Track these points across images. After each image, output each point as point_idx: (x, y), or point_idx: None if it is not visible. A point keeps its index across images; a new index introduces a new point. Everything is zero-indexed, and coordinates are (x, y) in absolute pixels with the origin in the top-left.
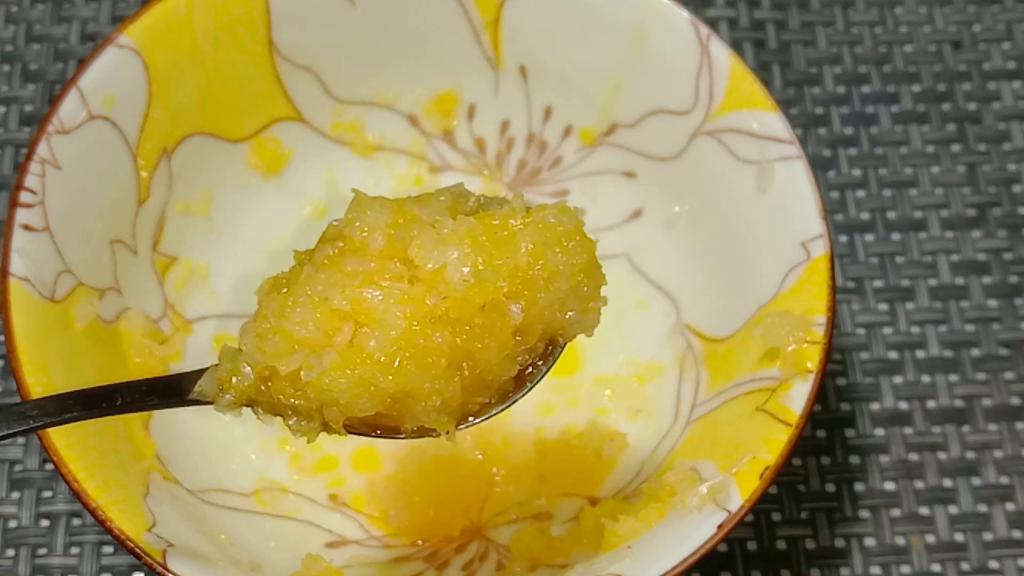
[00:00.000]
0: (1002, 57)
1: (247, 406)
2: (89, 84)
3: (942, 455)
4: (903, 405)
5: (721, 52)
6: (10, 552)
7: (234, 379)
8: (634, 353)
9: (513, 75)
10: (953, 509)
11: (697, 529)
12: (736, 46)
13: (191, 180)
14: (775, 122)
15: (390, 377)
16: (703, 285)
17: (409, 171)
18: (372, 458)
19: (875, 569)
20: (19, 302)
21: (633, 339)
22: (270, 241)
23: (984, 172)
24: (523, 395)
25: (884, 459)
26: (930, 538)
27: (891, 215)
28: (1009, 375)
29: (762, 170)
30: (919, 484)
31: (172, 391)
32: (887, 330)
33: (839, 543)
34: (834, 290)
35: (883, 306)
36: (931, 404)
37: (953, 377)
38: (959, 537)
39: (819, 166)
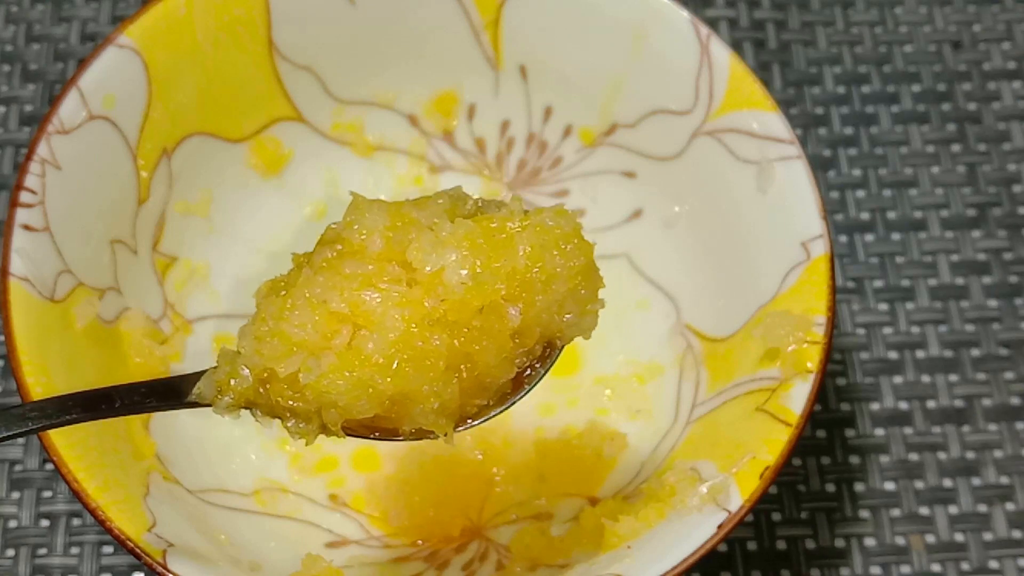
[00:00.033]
0: (1002, 57)
1: (246, 408)
2: (89, 84)
3: (942, 455)
4: (903, 405)
5: (721, 52)
6: (10, 552)
7: (232, 381)
8: (634, 353)
9: (513, 75)
10: (953, 509)
11: (697, 529)
12: (736, 46)
13: (191, 180)
14: (775, 122)
15: (388, 379)
16: (703, 285)
17: (409, 171)
18: (372, 458)
19: (875, 569)
20: (19, 302)
21: (633, 339)
22: (270, 241)
23: (984, 172)
24: (521, 397)
25: (884, 459)
26: (930, 538)
27: (891, 215)
28: (1009, 375)
29: (762, 170)
30: (919, 484)
31: (171, 393)
32: (887, 330)
33: (839, 543)
34: (834, 290)
35: (883, 306)
36: (931, 404)
37: (953, 377)
38: (959, 537)
39: (819, 166)
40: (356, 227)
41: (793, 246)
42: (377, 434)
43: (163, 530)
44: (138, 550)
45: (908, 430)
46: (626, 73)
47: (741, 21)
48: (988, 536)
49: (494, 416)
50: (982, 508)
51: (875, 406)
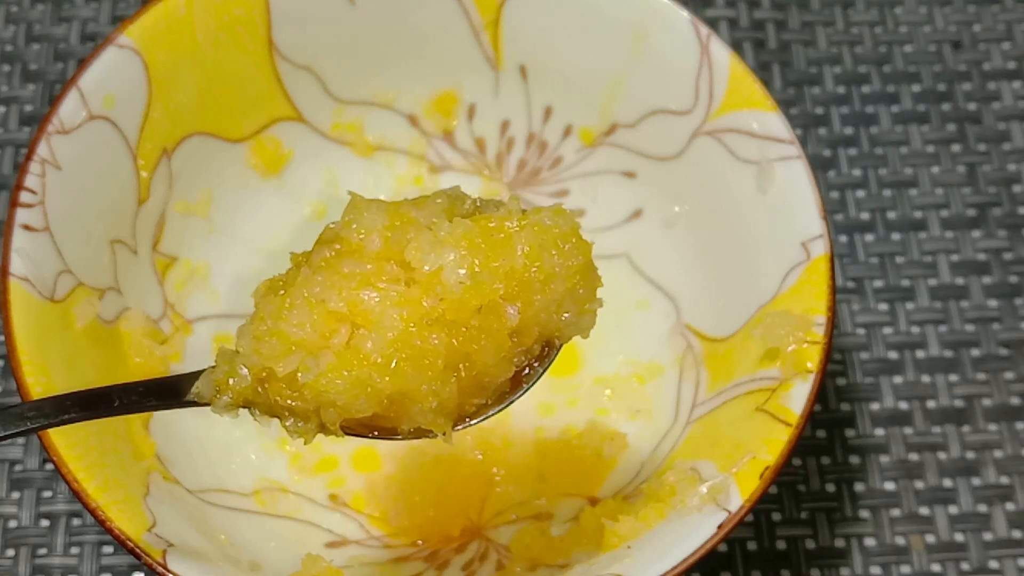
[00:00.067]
0: (1002, 57)
1: (244, 407)
2: (89, 84)
3: (942, 455)
4: (903, 405)
5: (721, 52)
6: (10, 552)
7: (231, 381)
8: (634, 353)
9: (513, 75)
10: (953, 509)
11: (697, 529)
12: (736, 46)
13: (191, 180)
14: (775, 122)
15: (387, 378)
16: (703, 285)
17: (409, 171)
18: (372, 458)
19: (875, 569)
20: (19, 302)
21: (633, 339)
22: (270, 241)
23: (984, 172)
24: (519, 396)
25: (884, 459)
26: (930, 538)
27: (891, 215)
28: (1009, 375)
29: (762, 170)
30: (919, 484)
31: (169, 392)
32: (887, 330)
33: (839, 543)
34: (834, 290)
35: (883, 306)
36: (931, 404)
37: (953, 377)
38: (959, 537)
39: (819, 166)
40: (354, 226)
41: (793, 246)
42: (376, 433)
43: (163, 530)
44: (138, 550)
45: (908, 430)
46: (626, 73)
47: (741, 21)
48: (988, 536)
49: (493, 415)
50: (982, 508)
51: (875, 406)
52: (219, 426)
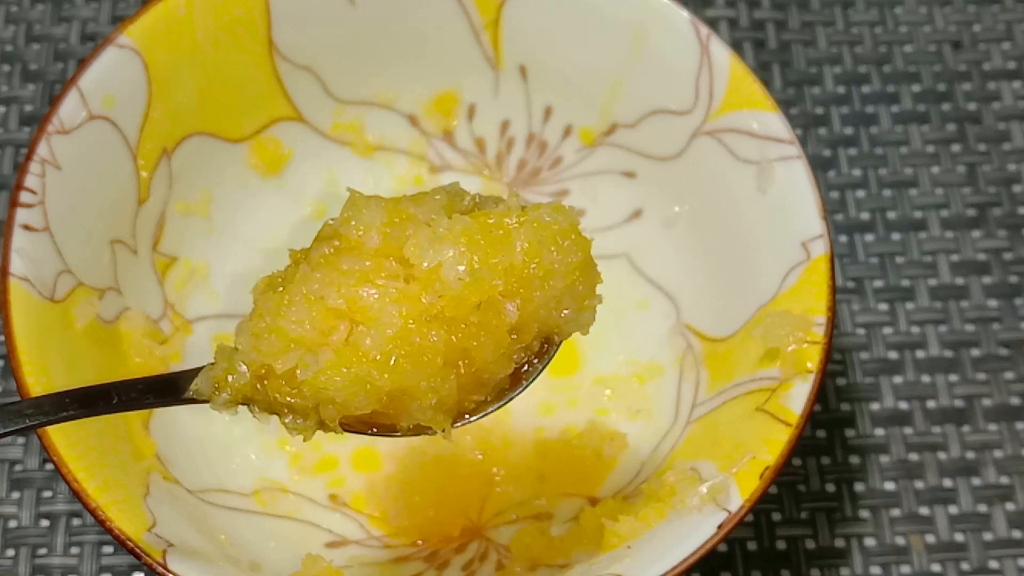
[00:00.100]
0: (1002, 57)
1: (243, 404)
2: (89, 84)
3: (942, 455)
4: (903, 405)
5: (721, 52)
6: (10, 552)
7: (230, 378)
8: (634, 353)
9: (513, 75)
10: (953, 509)
11: (697, 529)
12: (736, 46)
13: (191, 180)
14: (775, 122)
15: (386, 375)
16: (703, 285)
17: (409, 171)
18: (372, 458)
19: (875, 569)
20: (19, 302)
21: (633, 339)
22: (270, 241)
23: (984, 172)
24: (519, 393)
25: (884, 459)
26: (930, 538)
27: (891, 215)
28: (1009, 375)
29: (762, 170)
30: (919, 484)
31: (168, 390)
32: (887, 330)
33: (839, 543)
34: (834, 290)
35: (883, 306)
36: (931, 404)
37: (953, 377)
38: (959, 537)
39: (819, 166)
40: (353, 223)
41: (793, 246)
42: (375, 430)
43: (163, 530)
44: (138, 550)
45: (908, 430)
46: (626, 73)
47: (741, 21)
48: (988, 536)
49: (492, 412)
50: (982, 508)
51: (875, 406)
52: (219, 426)
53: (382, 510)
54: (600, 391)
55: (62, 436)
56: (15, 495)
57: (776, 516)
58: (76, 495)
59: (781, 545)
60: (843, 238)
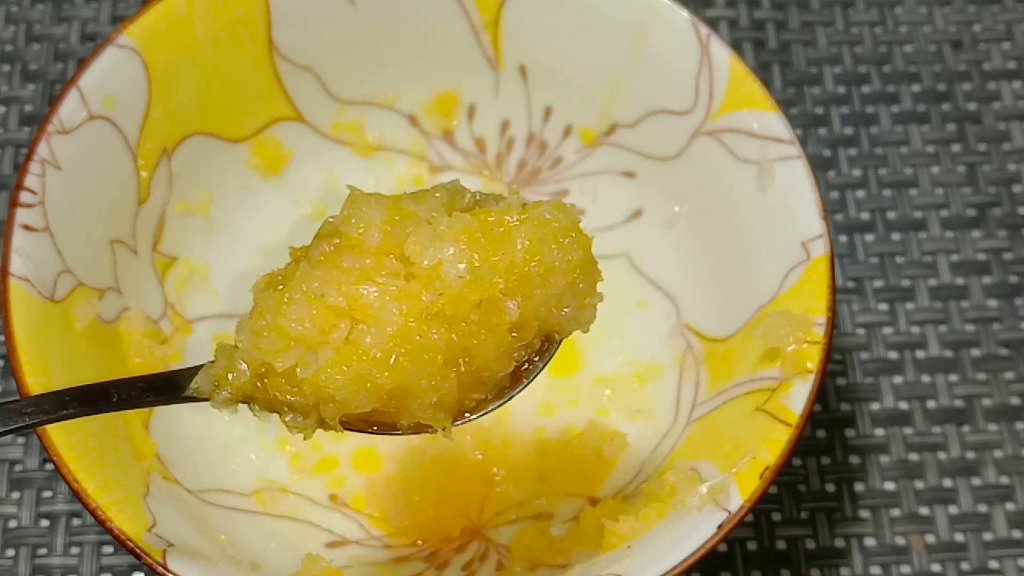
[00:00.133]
0: (1002, 57)
1: (243, 403)
2: (89, 84)
3: (942, 455)
4: (903, 405)
5: (721, 52)
6: (10, 552)
7: (230, 376)
8: (634, 353)
9: (513, 75)
10: (953, 509)
11: (697, 529)
12: (736, 46)
13: (191, 180)
14: (775, 122)
15: (386, 373)
16: (703, 285)
17: (409, 171)
18: (372, 458)
19: (875, 569)
20: (19, 302)
21: (633, 339)
22: (270, 241)
23: (984, 172)
24: (519, 391)
25: (884, 459)
26: (930, 538)
27: (891, 215)
28: (1009, 375)
29: (762, 170)
30: (919, 484)
31: (168, 388)
32: (887, 330)
33: (839, 543)
34: (834, 290)
35: (883, 306)
36: (931, 404)
37: (953, 377)
38: (959, 537)
39: (819, 166)
40: (354, 221)
41: (793, 246)
42: (375, 428)
43: (163, 530)
44: (138, 550)
45: (908, 430)
46: (626, 73)
47: (741, 21)
48: (988, 536)
49: (493, 410)
50: (982, 508)
51: (875, 406)
52: (219, 426)
53: (382, 510)
54: (600, 391)
55: (62, 436)
56: (15, 495)
57: (776, 516)
58: (76, 495)
59: (781, 545)
60: (843, 238)
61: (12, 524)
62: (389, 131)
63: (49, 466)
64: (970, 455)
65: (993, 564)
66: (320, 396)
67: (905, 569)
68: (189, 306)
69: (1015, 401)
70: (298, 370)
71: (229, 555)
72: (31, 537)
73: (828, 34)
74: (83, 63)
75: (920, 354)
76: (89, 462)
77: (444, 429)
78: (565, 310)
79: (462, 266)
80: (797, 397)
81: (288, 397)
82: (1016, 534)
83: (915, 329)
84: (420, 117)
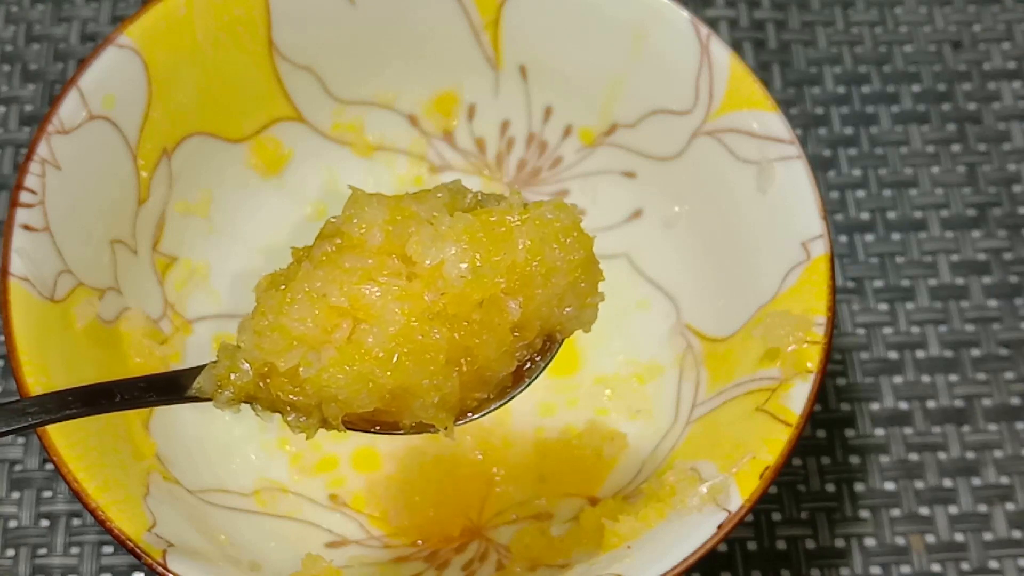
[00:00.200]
0: (1002, 57)
1: (246, 403)
2: (89, 84)
3: (942, 455)
4: (903, 405)
5: (721, 52)
6: (10, 552)
7: (232, 376)
8: (634, 353)
9: (513, 75)
10: (953, 509)
11: (697, 529)
12: (736, 46)
13: (191, 180)
14: (775, 122)
15: (388, 373)
16: (703, 285)
17: (409, 171)
18: (372, 458)
19: (875, 569)
20: (19, 302)
21: (633, 339)
22: (270, 241)
23: (984, 172)
24: (521, 391)
25: (884, 459)
26: (930, 538)
27: (891, 215)
28: (1009, 375)
29: (762, 170)
30: (919, 484)
31: (171, 388)
32: (887, 330)
33: (839, 543)
34: (834, 290)
35: (883, 306)
36: (931, 404)
37: (953, 377)
38: (959, 537)
39: (819, 166)
40: (355, 221)
41: (793, 246)
42: (378, 428)
43: (163, 530)
44: (138, 550)
45: (908, 430)
46: (626, 73)
47: (741, 21)
48: (988, 536)
49: (495, 409)
50: (982, 508)
51: (875, 406)
52: (219, 426)
53: (382, 510)
54: (600, 391)
55: (62, 436)
56: (15, 495)
57: (776, 516)
58: (76, 495)
59: (781, 545)
60: (843, 238)
61: (12, 524)
62: (389, 131)
63: (49, 466)
64: (970, 455)
65: (993, 564)
66: (322, 396)
67: (905, 569)
68: (189, 306)
69: (1015, 401)
70: (300, 370)
71: (229, 555)
72: (31, 537)
73: (828, 34)
74: (83, 63)
75: (920, 354)
76: (89, 462)
77: (446, 429)
78: (567, 310)
79: (464, 266)
80: (797, 397)
81: (291, 397)
82: (1016, 534)
83: (915, 329)
84: (420, 117)
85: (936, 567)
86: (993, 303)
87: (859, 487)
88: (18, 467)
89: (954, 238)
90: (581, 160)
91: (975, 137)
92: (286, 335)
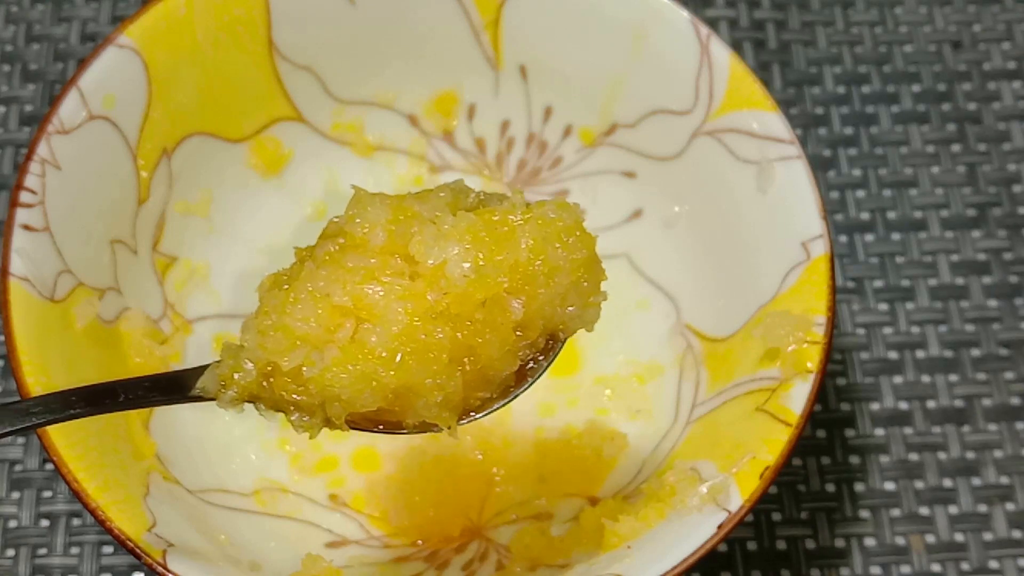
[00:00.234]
0: (1002, 57)
1: (249, 402)
2: (89, 84)
3: (942, 455)
4: (903, 405)
5: (721, 52)
6: (10, 552)
7: (236, 375)
8: (634, 353)
9: (513, 75)
10: (953, 509)
11: (697, 529)
12: (736, 46)
13: (191, 180)
14: (775, 122)
15: (392, 372)
16: (703, 285)
17: (409, 171)
18: (372, 458)
19: (875, 569)
20: (19, 302)
21: (633, 339)
22: (270, 241)
23: (984, 172)
24: (524, 390)
25: (884, 459)
26: (930, 538)
27: (891, 215)
28: (1009, 375)
29: (762, 170)
30: (919, 484)
31: (174, 387)
32: (887, 330)
33: (839, 543)
34: (834, 290)
35: (883, 306)
36: (931, 404)
37: (953, 377)
38: (959, 537)
39: (819, 166)
40: (358, 220)
41: (793, 246)
42: (381, 427)
43: (163, 530)
44: (138, 550)
45: (908, 430)
46: (626, 73)
47: (741, 21)
48: (988, 536)
49: (497, 409)
50: (982, 508)
51: (875, 406)
52: (219, 426)
53: (382, 510)
54: (600, 391)
55: (62, 436)
56: (15, 495)
57: (776, 516)
58: (76, 495)
59: (781, 545)
60: (843, 238)
61: (12, 524)
62: (389, 131)
63: (49, 466)
64: (970, 455)
65: (993, 564)
66: (326, 395)
67: (905, 569)
68: (189, 306)
69: (1015, 401)
70: (304, 369)
71: (229, 555)
72: (31, 537)
73: (828, 34)
74: (83, 63)
75: (920, 354)
76: (89, 462)
77: (449, 428)
78: (569, 309)
79: (467, 265)
80: (797, 397)
81: (294, 396)
82: (1016, 534)
83: (915, 329)
84: (420, 117)
85: (936, 567)
86: (993, 303)
87: (859, 487)
88: (18, 467)
89: (954, 238)
90: (581, 160)
91: (975, 137)
92: (289, 335)
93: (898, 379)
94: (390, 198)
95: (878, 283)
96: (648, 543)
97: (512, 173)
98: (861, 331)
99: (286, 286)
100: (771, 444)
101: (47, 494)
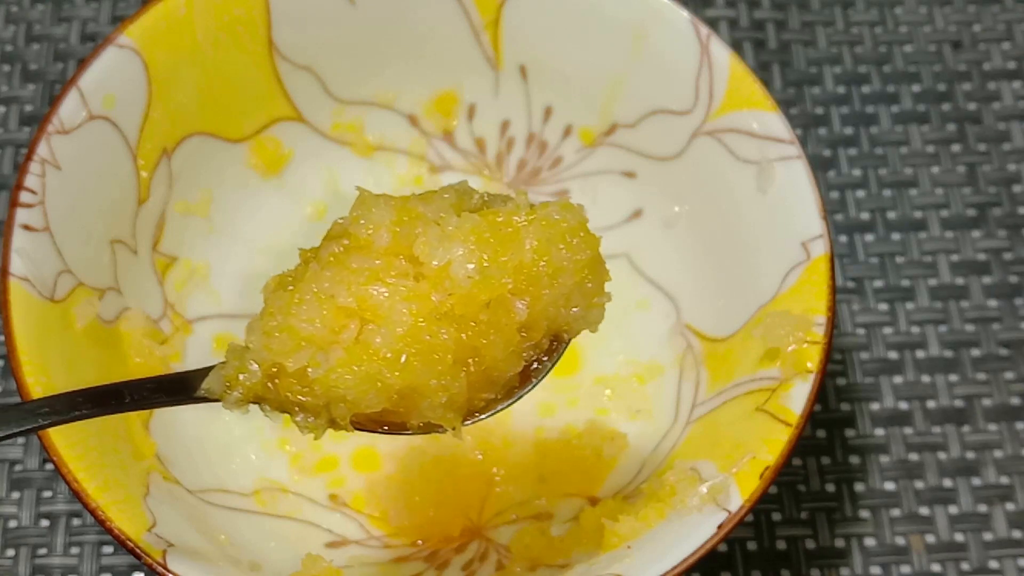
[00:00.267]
0: (1002, 57)
1: (254, 403)
2: (89, 84)
3: (942, 455)
4: (903, 405)
5: (721, 52)
6: (10, 552)
7: (241, 376)
8: (634, 353)
9: (513, 75)
10: (953, 509)
11: (697, 529)
12: (736, 46)
13: (191, 180)
14: (775, 122)
15: (396, 373)
16: (703, 285)
17: (409, 171)
18: (372, 458)
19: (875, 569)
20: (19, 302)
21: (633, 339)
22: (270, 241)
23: (984, 172)
24: (528, 390)
25: (884, 459)
26: (930, 538)
27: (891, 215)
28: (1009, 375)
29: (762, 170)
30: (919, 484)
31: (179, 388)
32: (887, 330)
33: (839, 543)
34: (834, 290)
35: (883, 306)
36: (931, 404)
37: (953, 377)
38: (959, 537)
39: (819, 166)
40: (363, 222)
41: (793, 246)
42: (385, 428)
43: (163, 530)
44: (138, 550)
45: (908, 430)
46: (626, 73)
47: (741, 21)
48: (988, 536)
49: (502, 409)
50: (982, 508)
51: (875, 406)
52: (219, 426)
53: (382, 510)
54: (600, 391)
55: (62, 436)
56: (15, 495)
57: (776, 516)
58: (76, 495)
59: (781, 545)
60: (843, 238)
61: (12, 524)
62: (389, 131)
63: (49, 466)
64: (970, 455)
65: (993, 564)
66: (331, 396)
67: (905, 569)
68: (189, 306)
69: (1015, 401)
70: (309, 370)
71: (229, 555)
72: (31, 537)
73: (828, 34)
74: (83, 63)
75: (920, 354)
76: (89, 462)
77: (454, 429)
78: (573, 310)
79: (471, 266)
80: (797, 397)
81: (299, 397)
82: (1016, 534)
83: (915, 329)
84: (420, 117)
85: (936, 567)
86: (993, 303)
87: (859, 487)
88: (18, 467)
89: (954, 238)
90: (581, 160)
91: (975, 137)
92: (294, 336)
93: (898, 379)
94: (394, 199)
95: (878, 283)
96: (648, 543)
97: (512, 173)
98: (861, 331)
99: (291, 287)
100: (771, 444)
101: (47, 494)
